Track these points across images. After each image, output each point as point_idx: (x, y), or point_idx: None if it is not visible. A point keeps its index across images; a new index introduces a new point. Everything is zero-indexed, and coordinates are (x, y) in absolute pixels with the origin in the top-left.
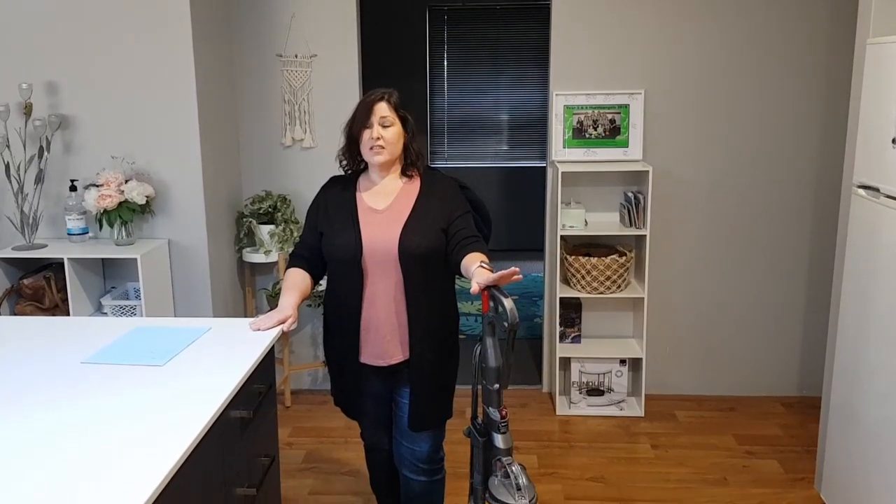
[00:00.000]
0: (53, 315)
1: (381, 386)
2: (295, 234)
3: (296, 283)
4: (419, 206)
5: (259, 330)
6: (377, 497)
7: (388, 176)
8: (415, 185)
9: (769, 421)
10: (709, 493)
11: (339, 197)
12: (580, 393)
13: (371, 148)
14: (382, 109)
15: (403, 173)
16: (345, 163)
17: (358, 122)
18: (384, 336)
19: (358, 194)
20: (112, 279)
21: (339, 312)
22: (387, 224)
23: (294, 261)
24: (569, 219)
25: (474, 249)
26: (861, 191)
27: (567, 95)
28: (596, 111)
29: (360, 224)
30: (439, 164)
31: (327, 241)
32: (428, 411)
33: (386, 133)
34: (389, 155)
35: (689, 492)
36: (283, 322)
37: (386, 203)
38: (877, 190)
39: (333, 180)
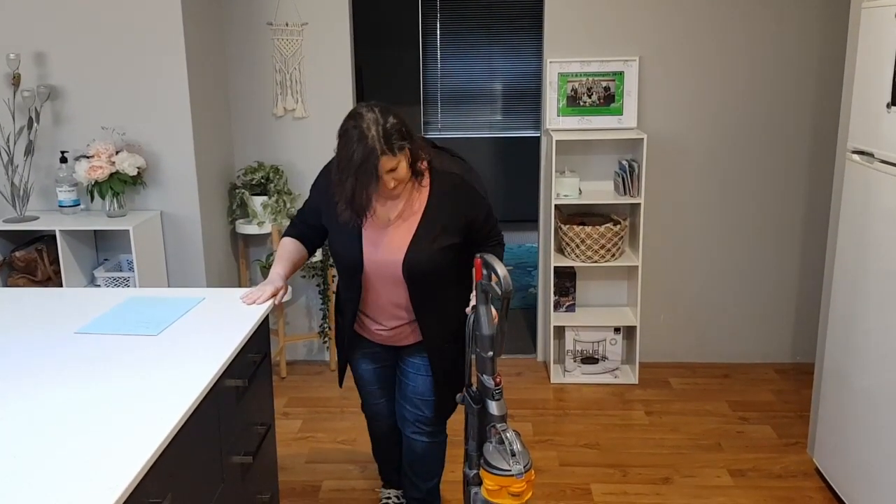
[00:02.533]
0: (46, 287)
1: (387, 355)
2: (288, 205)
3: (290, 253)
4: (427, 217)
5: (254, 304)
6: (379, 465)
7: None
8: (423, 191)
9: (762, 387)
10: (703, 458)
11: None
12: (574, 361)
13: (391, 189)
14: (386, 164)
15: (418, 178)
16: (362, 221)
17: (368, 189)
18: (392, 333)
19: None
20: (105, 251)
21: (346, 306)
22: (392, 240)
23: (290, 230)
24: (563, 188)
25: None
26: (855, 156)
27: (561, 63)
28: (590, 79)
29: (363, 239)
30: (433, 135)
31: (330, 239)
32: (441, 389)
33: (398, 174)
34: (405, 187)
35: (683, 457)
36: (275, 294)
37: (394, 212)
38: (871, 155)
39: None
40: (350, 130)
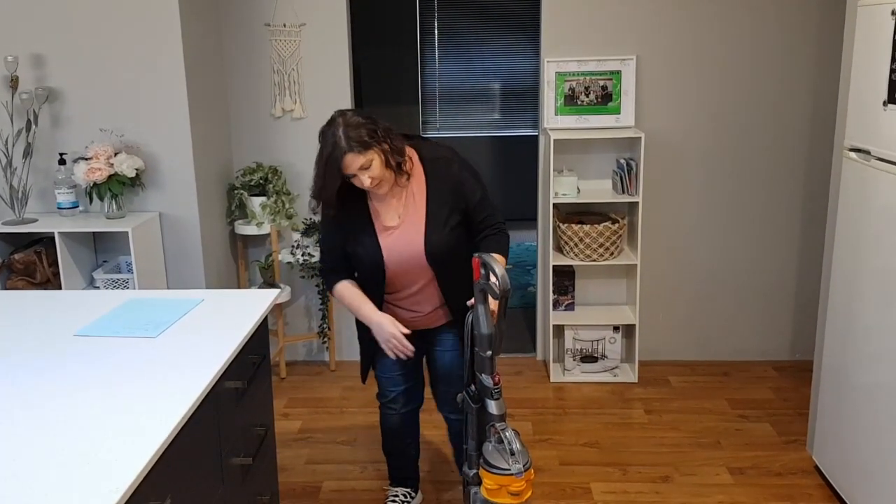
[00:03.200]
0: (45, 290)
1: (413, 341)
2: (287, 205)
3: (356, 294)
4: (431, 206)
5: (401, 351)
6: (388, 461)
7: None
8: (419, 181)
9: (762, 385)
10: (702, 456)
11: (351, 206)
12: (574, 360)
13: (370, 188)
14: (352, 162)
15: (403, 176)
16: (332, 213)
17: (332, 184)
18: (428, 318)
19: (371, 205)
20: (103, 253)
21: (370, 298)
22: (406, 237)
23: (333, 277)
24: (561, 186)
25: (493, 247)
26: (852, 154)
27: (559, 62)
28: (588, 78)
29: (380, 245)
30: (431, 134)
31: (351, 252)
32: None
33: (373, 172)
34: (389, 184)
35: (683, 455)
36: (395, 326)
37: (398, 213)
38: (868, 153)
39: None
40: (324, 133)
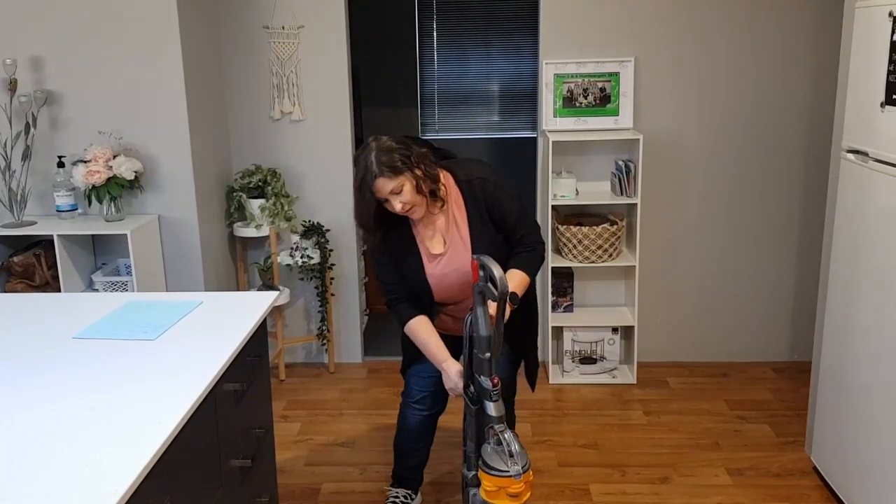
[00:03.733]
0: (44, 292)
1: (455, 346)
2: (286, 207)
3: (429, 333)
4: (474, 228)
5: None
6: (396, 460)
7: (430, 214)
8: (458, 204)
9: (760, 386)
10: (701, 457)
11: (397, 232)
12: (573, 361)
13: (404, 213)
14: (383, 186)
15: (438, 202)
16: (379, 236)
17: (368, 209)
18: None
19: (415, 230)
20: (102, 255)
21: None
22: (454, 262)
23: (404, 312)
24: (560, 188)
25: (521, 264)
26: (850, 155)
27: (557, 64)
28: (586, 79)
29: (426, 273)
30: (430, 136)
31: (403, 275)
32: (514, 367)
33: (404, 197)
34: (422, 209)
35: (682, 457)
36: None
37: (443, 239)
38: (866, 154)
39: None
40: (357, 158)
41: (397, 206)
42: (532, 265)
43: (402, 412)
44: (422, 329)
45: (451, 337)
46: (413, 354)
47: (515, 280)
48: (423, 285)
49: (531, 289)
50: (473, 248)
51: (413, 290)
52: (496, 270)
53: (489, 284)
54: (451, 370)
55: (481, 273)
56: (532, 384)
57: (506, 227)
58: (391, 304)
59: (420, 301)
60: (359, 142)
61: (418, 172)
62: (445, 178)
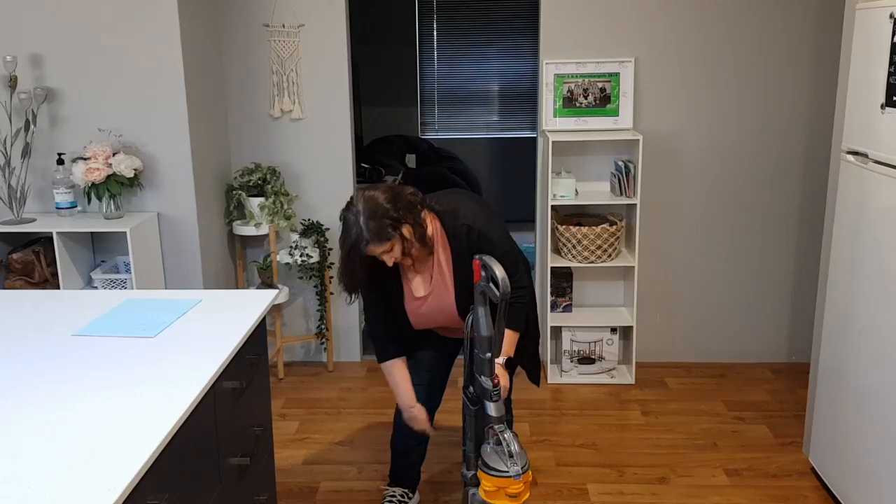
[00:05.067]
0: (43, 289)
1: (452, 345)
2: (285, 206)
3: (401, 378)
4: (458, 272)
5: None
6: (393, 458)
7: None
8: (444, 248)
9: (758, 387)
10: (699, 458)
11: (381, 273)
12: (571, 361)
13: (392, 265)
14: (374, 250)
15: (426, 249)
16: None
17: (359, 271)
18: (456, 332)
19: (401, 269)
20: (102, 253)
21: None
22: (437, 304)
23: (381, 351)
24: (559, 188)
25: (507, 326)
26: (850, 157)
27: (557, 64)
28: (586, 80)
29: (411, 312)
30: (430, 135)
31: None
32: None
33: (395, 255)
34: (412, 260)
35: (680, 457)
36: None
37: (427, 281)
38: (865, 156)
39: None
40: (345, 219)
41: (389, 261)
42: (519, 319)
43: (396, 411)
44: (395, 372)
45: (446, 338)
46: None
47: (507, 342)
48: (404, 318)
49: (530, 307)
50: (457, 292)
51: (396, 320)
52: (498, 271)
53: (491, 285)
54: (418, 417)
55: (483, 273)
56: (536, 382)
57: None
58: (372, 338)
59: (401, 333)
60: (358, 141)
61: (406, 233)
62: (433, 221)
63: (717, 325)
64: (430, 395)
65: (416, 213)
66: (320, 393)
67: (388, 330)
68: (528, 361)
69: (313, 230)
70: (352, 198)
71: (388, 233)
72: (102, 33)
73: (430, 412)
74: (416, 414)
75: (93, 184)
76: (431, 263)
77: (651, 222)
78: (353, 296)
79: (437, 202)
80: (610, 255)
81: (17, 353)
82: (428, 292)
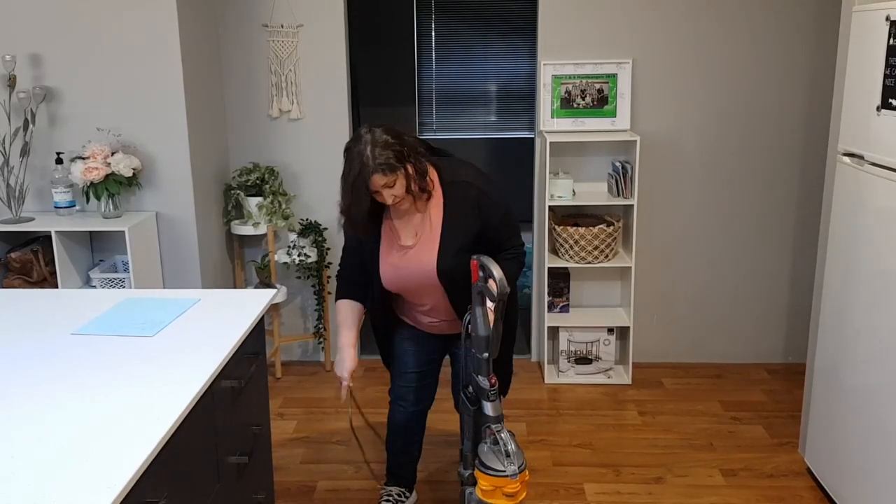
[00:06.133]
0: (41, 288)
1: (431, 341)
2: (283, 206)
3: (348, 316)
4: (446, 229)
5: (345, 382)
6: (389, 457)
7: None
8: (437, 203)
9: (755, 387)
10: (695, 458)
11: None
12: (568, 361)
13: (391, 205)
14: (378, 181)
15: (424, 195)
16: (362, 232)
17: (362, 203)
18: (446, 324)
19: (387, 223)
20: (100, 252)
21: (382, 300)
22: (419, 257)
23: (341, 290)
24: (557, 189)
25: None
26: (846, 158)
27: (555, 65)
28: (584, 81)
29: (389, 264)
30: (427, 136)
31: (368, 261)
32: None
33: (396, 191)
34: (410, 202)
35: (676, 457)
36: (353, 370)
37: (414, 231)
38: (861, 158)
39: None
40: (350, 150)
41: (388, 199)
42: (512, 271)
43: (390, 409)
44: (343, 310)
45: (438, 336)
46: (386, 351)
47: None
48: (376, 270)
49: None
50: (441, 249)
51: (368, 274)
52: (496, 271)
53: (488, 285)
54: (346, 358)
55: (481, 273)
56: (504, 392)
57: (486, 232)
58: (338, 278)
59: (370, 286)
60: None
61: (410, 169)
62: (431, 174)
63: (714, 326)
64: (419, 395)
65: (419, 157)
66: (318, 392)
67: (357, 280)
68: (501, 370)
69: (311, 230)
70: (358, 130)
71: (394, 164)
72: (101, 33)
73: (422, 411)
74: (344, 358)
75: (91, 183)
76: (421, 217)
77: (648, 223)
78: (358, 232)
79: (439, 159)
80: (607, 256)
81: (16, 352)
82: (414, 243)
